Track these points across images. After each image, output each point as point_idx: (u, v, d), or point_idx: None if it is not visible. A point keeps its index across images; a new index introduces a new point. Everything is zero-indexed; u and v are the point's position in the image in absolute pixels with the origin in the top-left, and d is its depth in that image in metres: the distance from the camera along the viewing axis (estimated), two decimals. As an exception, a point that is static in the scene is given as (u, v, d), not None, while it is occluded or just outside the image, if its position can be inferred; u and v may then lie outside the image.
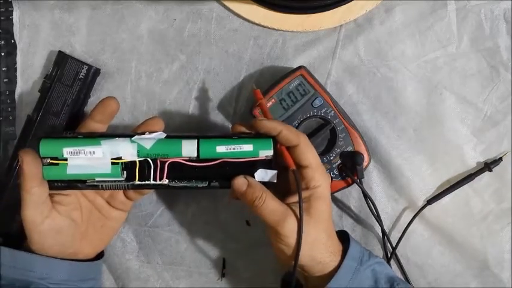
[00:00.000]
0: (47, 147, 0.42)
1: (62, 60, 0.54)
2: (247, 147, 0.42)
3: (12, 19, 0.55)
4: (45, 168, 0.42)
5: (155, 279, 0.57)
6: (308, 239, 0.43)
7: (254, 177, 0.43)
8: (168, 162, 0.43)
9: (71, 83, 0.54)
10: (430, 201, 0.55)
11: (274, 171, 0.43)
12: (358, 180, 0.52)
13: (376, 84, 0.55)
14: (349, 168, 0.52)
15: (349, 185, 0.53)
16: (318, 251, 0.44)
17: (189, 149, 0.42)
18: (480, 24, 0.55)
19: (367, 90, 0.55)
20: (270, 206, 0.42)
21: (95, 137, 0.43)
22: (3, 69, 0.55)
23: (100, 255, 0.49)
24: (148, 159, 0.42)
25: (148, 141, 0.42)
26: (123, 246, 0.57)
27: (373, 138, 0.55)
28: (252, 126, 0.44)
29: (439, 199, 0.55)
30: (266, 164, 0.43)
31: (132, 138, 0.42)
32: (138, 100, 0.56)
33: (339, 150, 0.53)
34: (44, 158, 0.42)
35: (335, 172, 0.53)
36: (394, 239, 0.55)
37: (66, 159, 0.42)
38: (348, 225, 0.56)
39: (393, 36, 0.55)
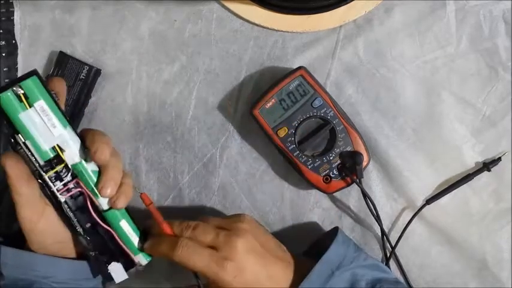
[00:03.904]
0: (32, 86, 0.39)
1: (62, 60, 0.54)
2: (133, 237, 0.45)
3: (13, 19, 0.55)
4: (7, 95, 0.38)
5: (156, 279, 0.57)
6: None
7: (111, 263, 0.45)
8: (80, 190, 0.43)
9: (71, 83, 0.54)
10: (429, 201, 0.55)
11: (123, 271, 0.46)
12: (358, 180, 0.52)
13: (376, 85, 0.55)
14: (349, 168, 0.52)
15: (348, 185, 0.53)
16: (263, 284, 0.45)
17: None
18: (479, 25, 0.55)
19: (367, 90, 0.55)
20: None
21: (68, 119, 0.42)
22: (4, 69, 0.55)
23: None
24: (76, 176, 0.42)
25: (92, 165, 0.42)
26: (124, 245, 0.57)
27: (373, 138, 0.55)
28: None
29: (438, 199, 0.55)
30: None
31: (86, 150, 0.42)
32: (139, 101, 0.56)
33: (338, 150, 0.53)
34: (20, 88, 0.39)
35: (335, 172, 0.53)
36: (393, 238, 0.55)
37: (31, 106, 0.39)
38: (347, 225, 0.56)
39: (392, 36, 0.55)
